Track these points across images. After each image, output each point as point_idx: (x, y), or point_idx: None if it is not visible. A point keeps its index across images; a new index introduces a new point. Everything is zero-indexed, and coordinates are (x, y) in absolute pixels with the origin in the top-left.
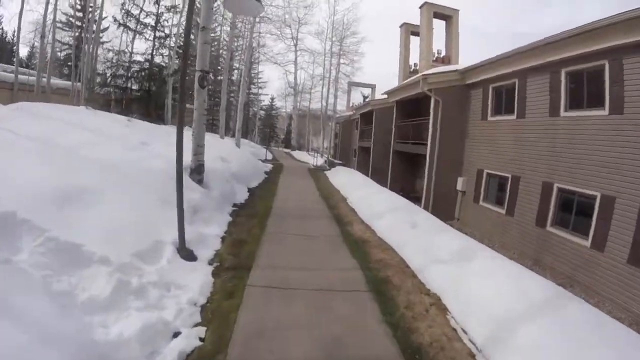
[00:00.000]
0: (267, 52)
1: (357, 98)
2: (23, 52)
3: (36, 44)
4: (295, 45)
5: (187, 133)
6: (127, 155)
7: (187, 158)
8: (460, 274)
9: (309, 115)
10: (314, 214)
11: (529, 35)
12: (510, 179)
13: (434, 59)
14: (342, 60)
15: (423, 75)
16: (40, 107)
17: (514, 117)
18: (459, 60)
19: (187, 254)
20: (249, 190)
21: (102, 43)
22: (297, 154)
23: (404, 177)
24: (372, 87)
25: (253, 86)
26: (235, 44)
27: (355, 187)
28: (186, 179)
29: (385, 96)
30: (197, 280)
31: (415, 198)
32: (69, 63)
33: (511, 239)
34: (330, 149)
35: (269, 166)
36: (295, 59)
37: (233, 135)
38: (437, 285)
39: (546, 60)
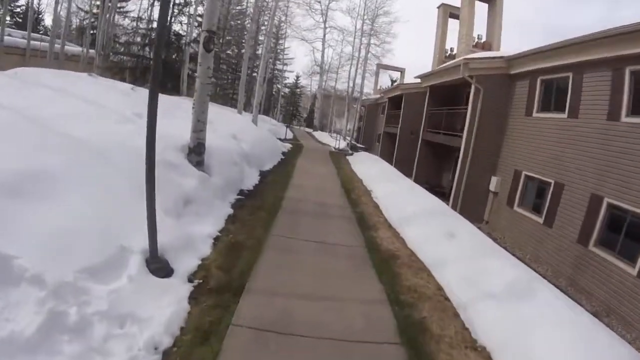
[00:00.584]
0: (295, 27)
1: (385, 82)
2: (48, 21)
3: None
4: (325, 22)
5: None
6: (113, 130)
7: (186, 135)
8: (517, 319)
9: (334, 95)
10: (332, 212)
11: (564, 29)
12: (552, 186)
13: (474, 44)
14: (372, 41)
15: (465, 59)
16: (38, 74)
17: (564, 115)
18: (500, 48)
19: (159, 267)
20: (261, 174)
21: (120, 9)
22: (319, 135)
23: (430, 169)
24: (402, 70)
25: (278, 62)
26: (262, 18)
27: (381, 179)
28: (181, 162)
29: (417, 80)
30: (167, 308)
31: (440, 193)
32: (92, 32)
33: (546, 253)
34: (354, 132)
35: (288, 146)
36: (324, 36)
37: (261, 113)
38: (486, 334)
39: (611, 55)
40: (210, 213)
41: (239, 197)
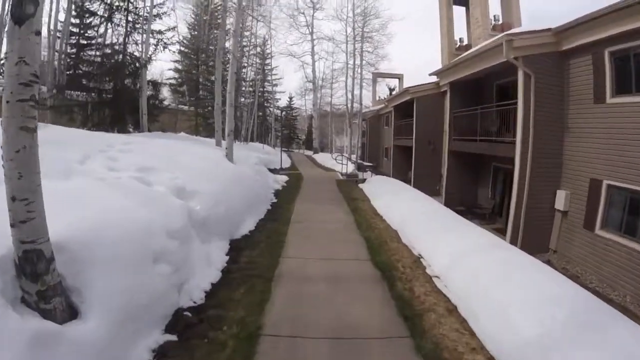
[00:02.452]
0: (280, 43)
1: (383, 91)
2: None
3: None
4: (311, 33)
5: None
6: None
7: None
8: None
9: (331, 112)
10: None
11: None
12: None
13: (492, 26)
14: (365, 47)
15: (507, 35)
16: None
17: None
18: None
19: None
20: (232, 249)
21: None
22: (320, 158)
23: (462, 185)
24: (400, 77)
25: (267, 83)
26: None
27: (423, 223)
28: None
29: (429, 80)
30: None
31: (480, 215)
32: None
33: None
34: (357, 149)
35: (283, 180)
36: (312, 48)
37: (246, 140)
38: None
39: None
40: None
41: (167, 339)
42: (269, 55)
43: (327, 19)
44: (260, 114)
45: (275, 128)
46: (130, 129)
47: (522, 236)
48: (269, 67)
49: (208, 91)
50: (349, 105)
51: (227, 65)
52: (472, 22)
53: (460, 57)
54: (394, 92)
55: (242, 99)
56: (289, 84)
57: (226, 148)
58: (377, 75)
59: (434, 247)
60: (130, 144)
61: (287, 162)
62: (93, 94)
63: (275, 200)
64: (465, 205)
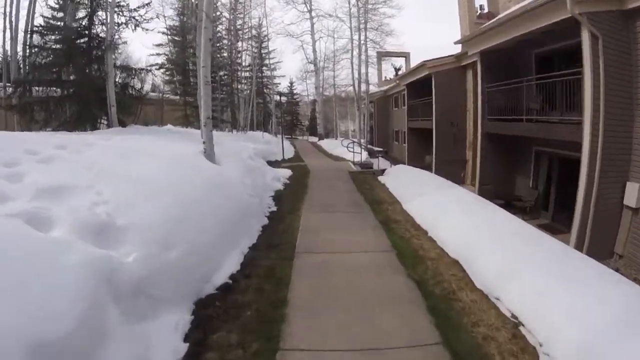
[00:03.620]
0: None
1: (386, 71)
2: None
3: None
4: (310, 11)
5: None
6: None
7: None
8: None
9: (335, 94)
10: None
11: None
12: None
13: None
14: (370, 22)
15: None
16: None
17: None
18: None
19: None
20: (196, 321)
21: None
22: (327, 145)
23: (498, 174)
24: (406, 56)
25: (265, 68)
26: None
27: (514, 260)
28: None
29: (449, 53)
30: None
31: (520, 209)
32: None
33: None
34: (366, 133)
35: (285, 174)
36: (312, 26)
37: (244, 129)
38: None
39: None
40: None
41: None
42: (266, 38)
43: None
44: (260, 101)
45: (276, 115)
46: (104, 125)
47: (590, 239)
48: (266, 51)
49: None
50: (357, 85)
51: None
52: None
53: (498, 18)
54: (400, 72)
55: (240, 85)
56: (289, 69)
57: (204, 142)
58: (383, 54)
59: (543, 304)
60: (64, 148)
61: (290, 152)
62: (56, 87)
63: (274, 209)
64: (500, 196)
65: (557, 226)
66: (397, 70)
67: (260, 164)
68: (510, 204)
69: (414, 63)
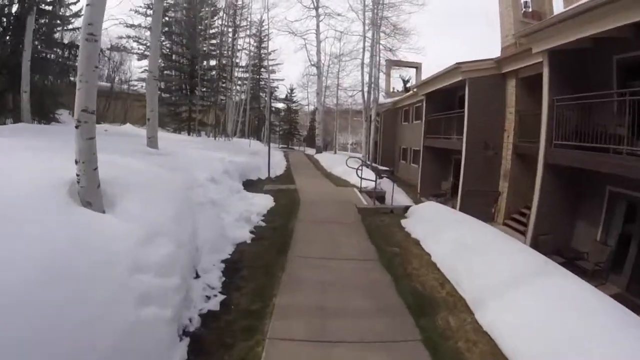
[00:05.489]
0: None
1: (394, 83)
2: None
3: None
4: (317, 8)
5: None
6: None
7: None
8: None
9: (337, 103)
10: None
11: None
12: None
13: None
14: (384, 27)
15: None
16: None
17: None
18: None
19: None
20: None
21: None
22: (326, 160)
23: (557, 221)
24: (417, 66)
25: (263, 70)
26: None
27: None
28: None
29: (485, 58)
30: None
31: (580, 269)
32: None
33: None
34: (369, 148)
35: (262, 209)
36: (317, 25)
37: (233, 135)
38: None
39: None
40: None
41: None
42: (266, 38)
43: None
44: (256, 105)
45: (270, 121)
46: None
47: None
48: (266, 51)
49: (175, 68)
50: (366, 91)
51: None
52: None
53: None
54: (409, 84)
55: (235, 87)
56: (290, 76)
57: (80, 164)
58: (393, 63)
59: None
60: None
61: (280, 167)
62: None
63: (213, 307)
64: (560, 251)
65: (632, 298)
66: (405, 82)
67: (226, 190)
68: (571, 262)
69: (425, 75)
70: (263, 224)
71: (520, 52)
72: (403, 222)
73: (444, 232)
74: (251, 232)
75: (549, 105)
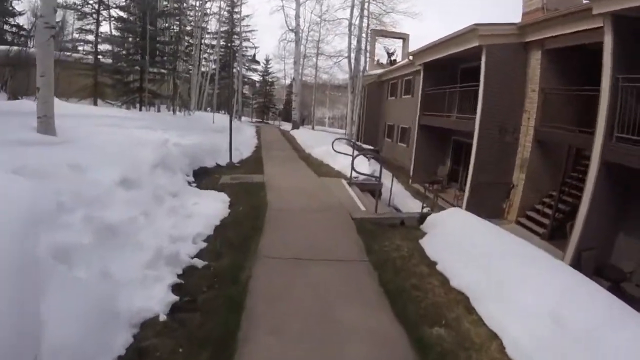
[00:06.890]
0: None
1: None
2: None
3: None
4: None
5: None
6: None
7: None
8: None
9: (316, 74)
10: None
11: None
12: None
13: None
14: None
15: None
16: None
17: None
18: None
19: None
20: None
21: None
22: (304, 137)
23: (605, 231)
24: (404, 37)
25: (236, 37)
26: None
27: None
28: None
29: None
30: None
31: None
32: None
33: None
34: (356, 123)
35: (213, 221)
36: None
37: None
38: None
39: None
40: None
41: None
42: (239, 1)
43: None
44: (226, 75)
45: (244, 94)
46: None
47: None
48: (239, 16)
49: (125, 29)
50: (353, 57)
51: None
52: None
53: None
54: (393, 56)
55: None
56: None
57: None
58: (378, 33)
59: None
60: None
61: (248, 148)
62: None
63: None
64: (599, 270)
65: None
66: (390, 54)
67: (148, 195)
68: (617, 284)
69: (412, 48)
70: (200, 263)
71: (551, 18)
72: (422, 243)
73: (513, 287)
74: (174, 287)
75: (612, 85)
